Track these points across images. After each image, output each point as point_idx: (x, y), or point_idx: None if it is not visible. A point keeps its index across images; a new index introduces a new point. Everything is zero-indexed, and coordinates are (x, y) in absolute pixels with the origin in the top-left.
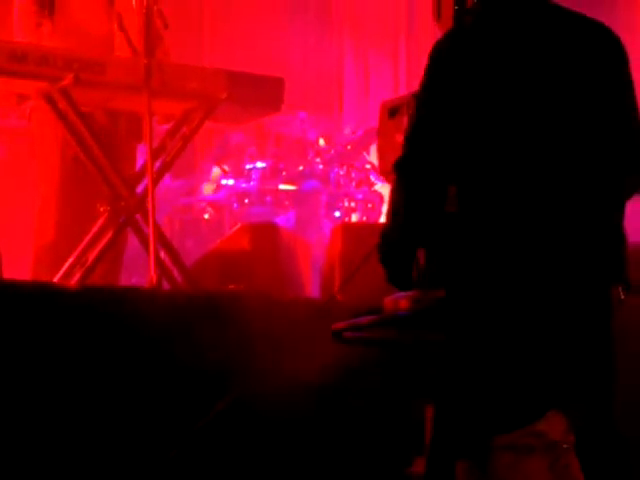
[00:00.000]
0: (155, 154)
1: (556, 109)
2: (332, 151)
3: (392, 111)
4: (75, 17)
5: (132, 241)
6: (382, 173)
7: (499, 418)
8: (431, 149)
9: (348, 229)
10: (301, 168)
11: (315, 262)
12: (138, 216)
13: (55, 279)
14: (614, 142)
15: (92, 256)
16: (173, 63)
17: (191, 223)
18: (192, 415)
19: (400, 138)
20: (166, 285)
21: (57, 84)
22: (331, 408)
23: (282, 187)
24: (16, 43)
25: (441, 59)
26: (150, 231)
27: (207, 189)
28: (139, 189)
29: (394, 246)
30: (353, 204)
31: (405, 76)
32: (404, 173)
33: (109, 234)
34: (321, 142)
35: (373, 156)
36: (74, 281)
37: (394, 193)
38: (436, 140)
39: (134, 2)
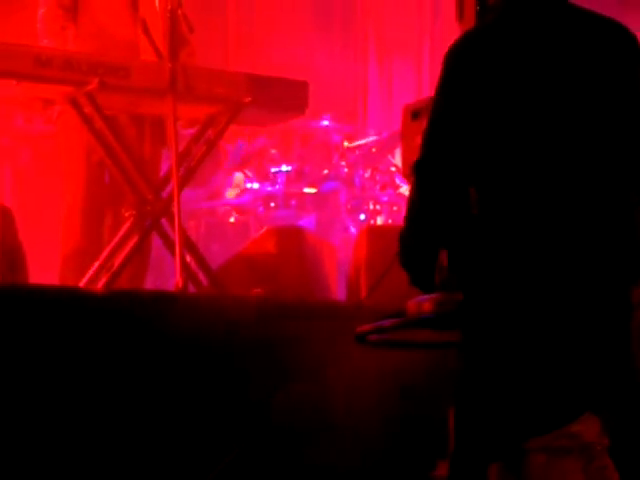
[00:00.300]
0: (180, 158)
1: (575, 109)
2: (357, 153)
3: (414, 114)
4: (99, 21)
5: (156, 244)
6: (405, 176)
7: (534, 420)
8: (448, 151)
9: (373, 232)
10: (326, 171)
11: (340, 265)
12: (163, 220)
13: (81, 284)
14: (633, 143)
15: (118, 261)
16: (198, 67)
17: (217, 227)
18: (217, 419)
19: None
20: (192, 289)
21: (82, 89)
22: (355, 412)
23: (306, 190)
24: (41, 48)
25: (458, 60)
26: (176, 235)
27: (230, 194)
28: (164, 193)
29: (413, 249)
30: (378, 207)
31: (428, 80)
32: (421, 175)
33: (135, 238)
34: (345, 145)
35: (398, 159)
36: (100, 286)
37: (412, 195)
38: (453, 142)
39: (158, 6)
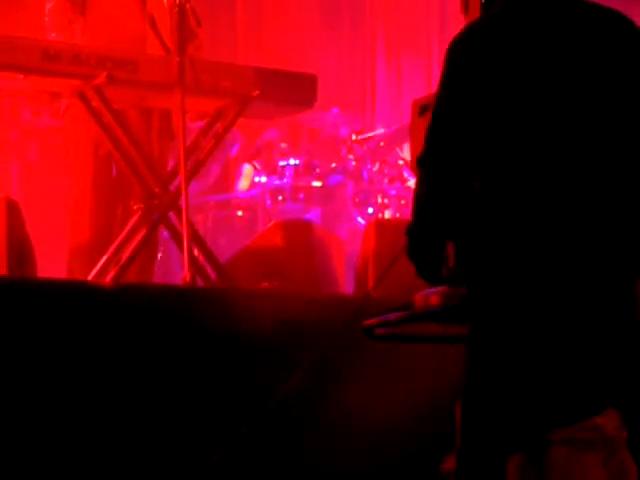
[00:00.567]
0: (188, 152)
1: (578, 100)
2: (365, 147)
3: (422, 108)
4: (107, 14)
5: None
6: (413, 169)
7: (559, 411)
8: (452, 144)
9: (381, 225)
10: (334, 165)
11: (348, 258)
12: (171, 214)
13: (89, 277)
14: (636, 133)
15: (126, 254)
16: (206, 60)
17: (224, 220)
18: (225, 410)
19: None
20: (200, 283)
21: (90, 82)
22: (362, 406)
23: (314, 184)
24: (49, 41)
25: (461, 52)
26: (184, 228)
27: (242, 185)
28: (172, 187)
29: (419, 240)
30: (386, 200)
31: (437, 73)
32: (426, 168)
33: (142, 232)
34: (354, 138)
35: (406, 152)
36: (108, 279)
37: (417, 189)
38: (457, 134)
39: (165, 1)
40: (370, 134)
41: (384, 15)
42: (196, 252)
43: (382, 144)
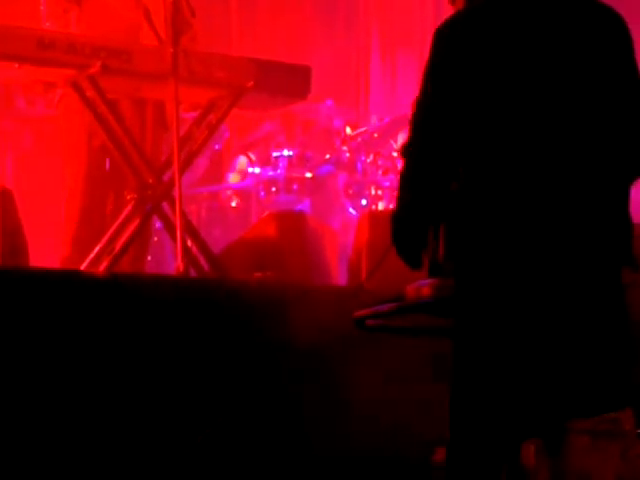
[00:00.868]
0: (181, 143)
1: (564, 89)
2: (359, 139)
3: None
4: (103, 4)
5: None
6: None
7: (582, 403)
8: (437, 132)
9: (375, 217)
10: (328, 156)
11: (341, 249)
12: (165, 204)
13: (82, 267)
14: (621, 123)
15: (119, 244)
16: (200, 51)
17: (218, 211)
18: (212, 409)
19: None
20: (193, 273)
21: (84, 72)
22: (354, 398)
23: (308, 175)
24: (44, 30)
25: (445, 42)
26: (177, 219)
27: (233, 179)
28: (165, 177)
29: (402, 224)
30: (380, 192)
31: None
32: (411, 156)
33: (136, 222)
34: (348, 130)
35: (400, 144)
36: (101, 269)
37: (402, 175)
38: (441, 123)
39: None
40: (364, 128)
41: (379, 7)
42: (189, 242)
43: (376, 135)
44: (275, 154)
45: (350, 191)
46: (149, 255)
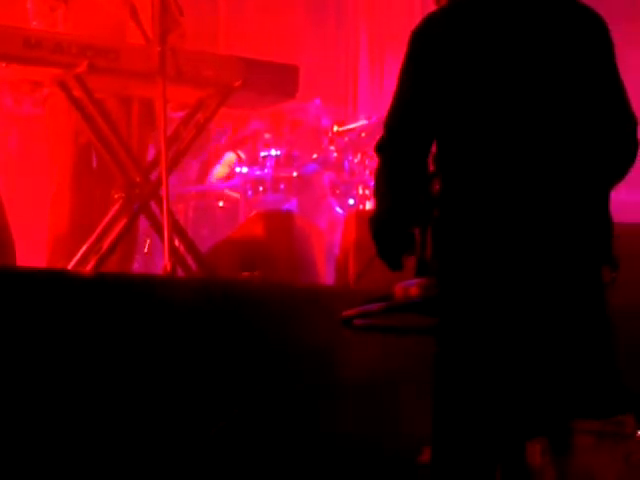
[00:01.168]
0: (169, 142)
1: (543, 89)
2: (346, 138)
3: None
4: (90, 2)
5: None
6: None
7: (588, 404)
8: (412, 129)
9: (362, 216)
10: (315, 156)
11: (328, 248)
12: (152, 204)
13: (70, 266)
14: (601, 123)
15: (106, 243)
16: (188, 50)
17: (205, 211)
18: (203, 411)
19: None
20: (180, 272)
21: (71, 71)
22: (341, 397)
23: (294, 174)
24: (30, 30)
25: (420, 40)
26: (164, 218)
27: (219, 172)
28: (153, 177)
29: (382, 227)
30: (367, 192)
31: None
32: (386, 154)
33: (123, 221)
34: (335, 129)
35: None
36: (89, 268)
37: (377, 175)
38: (417, 121)
39: None
40: (352, 126)
41: (367, 7)
42: (177, 242)
43: (363, 135)
44: (263, 153)
45: (337, 191)
46: (137, 254)
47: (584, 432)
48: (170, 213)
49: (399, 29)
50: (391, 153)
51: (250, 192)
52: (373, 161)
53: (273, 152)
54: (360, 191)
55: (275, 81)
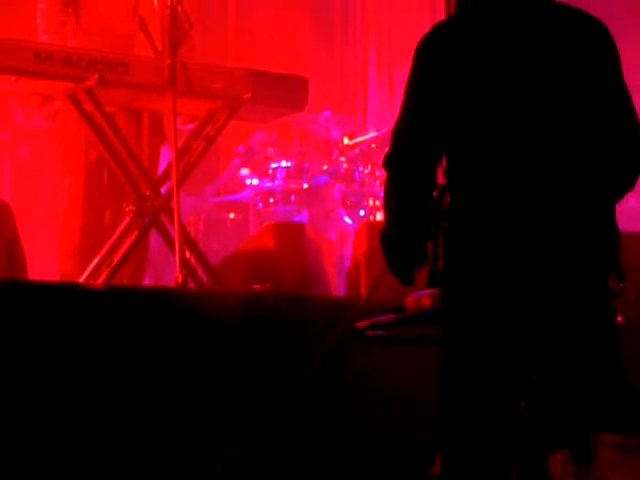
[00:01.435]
0: (179, 155)
1: (550, 100)
2: (357, 150)
3: None
4: (100, 16)
5: (155, 241)
6: None
7: (613, 419)
8: (416, 142)
9: (373, 228)
10: (325, 167)
11: (339, 260)
12: (163, 217)
13: (81, 279)
14: (608, 134)
15: (118, 256)
16: (197, 63)
17: (216, 223)
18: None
19: None
20: (192, 285)
21: (82, 84)
22: (353, 408)
23: (305, 186)
24: (41, 44)
25: (426, 53)
26: (176, 231)
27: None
28: (163, 190)
29: (389, 240)
30: (378, 203)
31: None
32: (394, 168)
33: (134, 234)
34: (345, 141)
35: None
36: (100, 281)
37: (386, 189)
38: (426, 133)
39: (157, 3)
40: (362, 139)
41: (376, 19)
42: (188, 254)
43: (374, 146)
44: (273, 165)
45: (348, 202)
46: (149, 267)
47: (606, 445)
48: (181, 226)
49: (408, 40)
50: (398, 167)
51: (261, 204)
52: (383, 172)
53: (283, 164)
54: (370, 202)
55: (284, 93)
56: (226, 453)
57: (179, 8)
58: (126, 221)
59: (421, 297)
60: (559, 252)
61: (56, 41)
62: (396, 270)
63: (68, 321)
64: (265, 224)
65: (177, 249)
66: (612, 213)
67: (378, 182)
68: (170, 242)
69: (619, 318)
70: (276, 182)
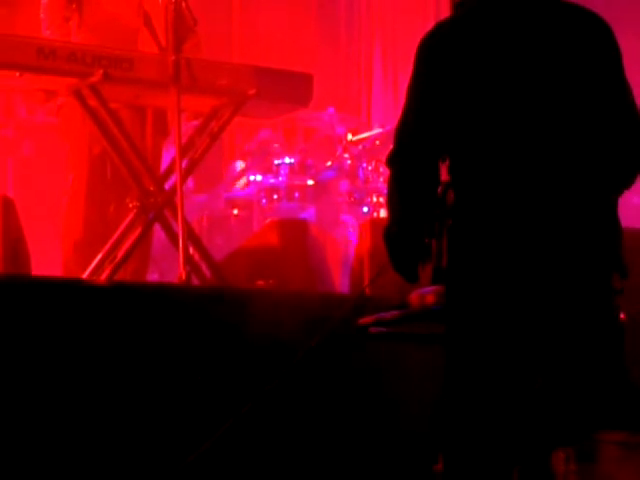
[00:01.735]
0: (183, 151)
1: (551, 98)
2: (360, 146)
3: None
4: (103, 12)
5: (158, 236)
6: None
7: (616, 418)
8: (419, 140)
9: (376, 224)
10: (329, 164)
11: (343, 257)
12: (167, 213)
13: (85, 275)
14: (610, 131)
15: (121, 252)
16: (202, 59)
17: (219, 219)
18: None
19: None
20: (195, 281)
21: (86, 80)
22: (360, 406)
23: (310, 182)
24: (45, 39)
25: (428, 52)
26: (179, 227)
27: (240, 184)
28: (167, 186)
29: (392, 238)
30: (382, 199)
31: None
32: (398, 166)
33: (138, 230)
34: (349, 137)
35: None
36: (103, 277)
37: (390, 187)
38: (428, 132)
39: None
40: (366, 135)
41: (381, 15)
42: (191, 250)
43: (378, 143)
44: (277, 161)
45: (352, 199)
46: (152, 263)
47: (609, 442)
48: (185, 222)
49: (413, 37)
50: (401, 165)
51: (264, 200)
52: (387, 169)
53: (287, 160)
54: (374, 199)
55: (289, 90)
56: (229, 448)
57: (183, 4)
58: (130, 217)
59: (425, 294)
60: (562, 249)
61: (60, 37)
62: (399, 267)
63: (71, 317)
64: (269, 220)
65: (181, 245)
66: (614, 210)
67: (382, 179)
68: (174, 238)
69: (622, 315)
70: (280, 178)
